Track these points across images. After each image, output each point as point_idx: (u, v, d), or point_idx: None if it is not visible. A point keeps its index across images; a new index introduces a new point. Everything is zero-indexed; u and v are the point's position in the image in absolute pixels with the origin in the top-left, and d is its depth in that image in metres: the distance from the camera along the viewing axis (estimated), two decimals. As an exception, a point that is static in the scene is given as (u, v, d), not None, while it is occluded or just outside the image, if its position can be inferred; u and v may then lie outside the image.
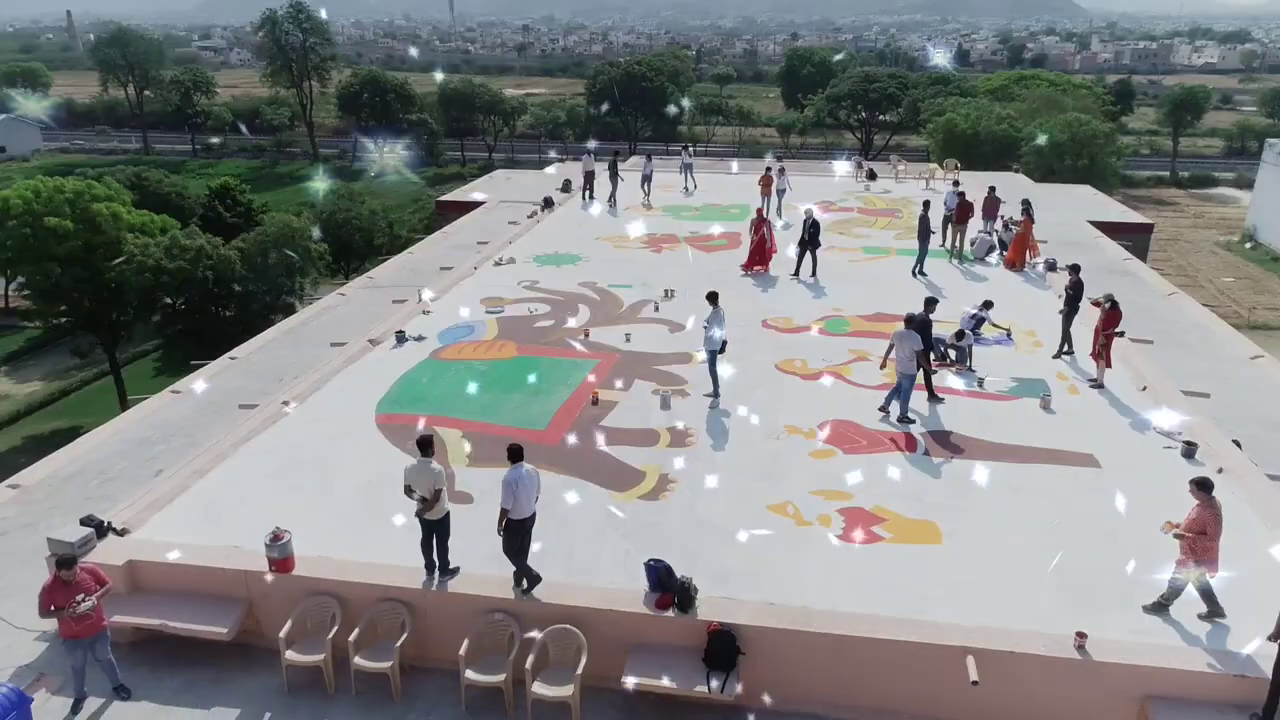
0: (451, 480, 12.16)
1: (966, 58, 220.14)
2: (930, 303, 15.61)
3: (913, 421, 14.42)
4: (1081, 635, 9.16)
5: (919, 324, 14.67)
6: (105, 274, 35.81)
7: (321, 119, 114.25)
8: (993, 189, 25.65)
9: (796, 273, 22.18)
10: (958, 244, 23.76)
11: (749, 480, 12.66)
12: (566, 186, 32.48)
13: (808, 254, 22.08)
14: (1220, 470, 12.76)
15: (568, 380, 16.04)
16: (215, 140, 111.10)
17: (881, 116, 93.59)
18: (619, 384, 15.90)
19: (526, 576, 10.03)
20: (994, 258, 23.78)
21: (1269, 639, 8.64)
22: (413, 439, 13.59)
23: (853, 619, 9.58)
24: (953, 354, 16.79)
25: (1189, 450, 13.28)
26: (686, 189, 33.21)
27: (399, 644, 9.84)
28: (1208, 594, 9.57)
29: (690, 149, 36.82)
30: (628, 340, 17.89)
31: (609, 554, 10.89)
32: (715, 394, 15.21)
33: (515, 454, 10.10)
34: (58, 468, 14.71)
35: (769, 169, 28.26)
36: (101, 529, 11.11)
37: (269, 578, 10.33)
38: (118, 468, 14.56)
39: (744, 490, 12.38)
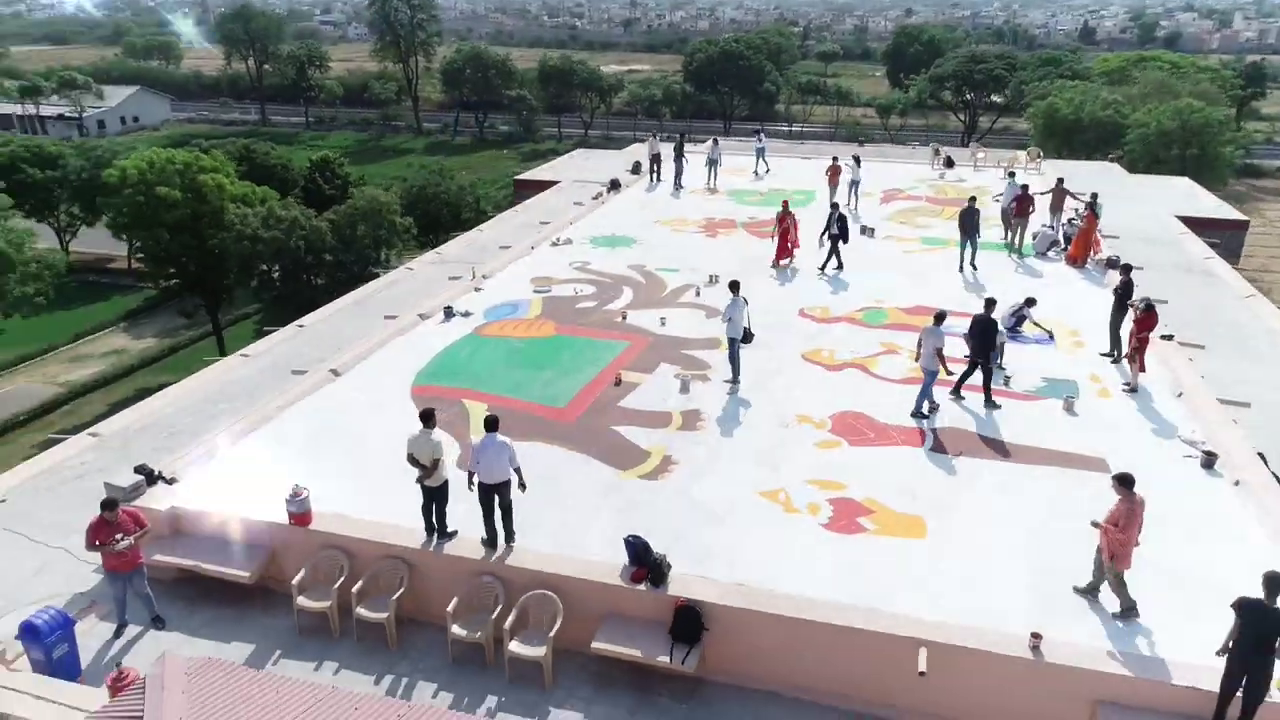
0: (469, 451, 12.96)
1: (1091, 35, 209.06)
2: (990, 303, 15.15)
3: (926, 417, 14.47)
4: (1036, 636, 9.32)
5: (982, 325, 14.61)
6: (209, 241, 38.40)
7: (427, 94, 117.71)
8: (1060, 181, 24.89)
9: (823, 268, 21.92)
10: (1017, 238, 23.21)
11: (748, 466, 13.08)
12: (636, 168, 32.98)
13: (835, 248, 21.88)
14: (1237, 483, 12.50)
15: (596, 360, 16.69)
16: (328, 113, 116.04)
17: (993, 98, 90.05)
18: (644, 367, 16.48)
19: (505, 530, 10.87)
20: (1055, 253, 23.16)
21: (1217, 654, 8.63)
22: (441, 411, 14.63)
23: (814, 604, 9.96)
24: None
25: (1208, 460, 13.00)
26: (757, 173, 33.25)
27: (396, 597, 10.76)
28: (1121, 590, 9.76)
29: (763, 134, 36.71)
30: (662, 324, 18.40)
31: (599, 528, 11.52)
32: (734, 380, 15.60)
33: (490, 424, 10.85)
34: (133, 420, 16.29)
35: (836, 159, 27.91)
36: (151, 477, 12.42)
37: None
38: (184, 423, 16.01)
39: (741, 475, 12.81)
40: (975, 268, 21.74)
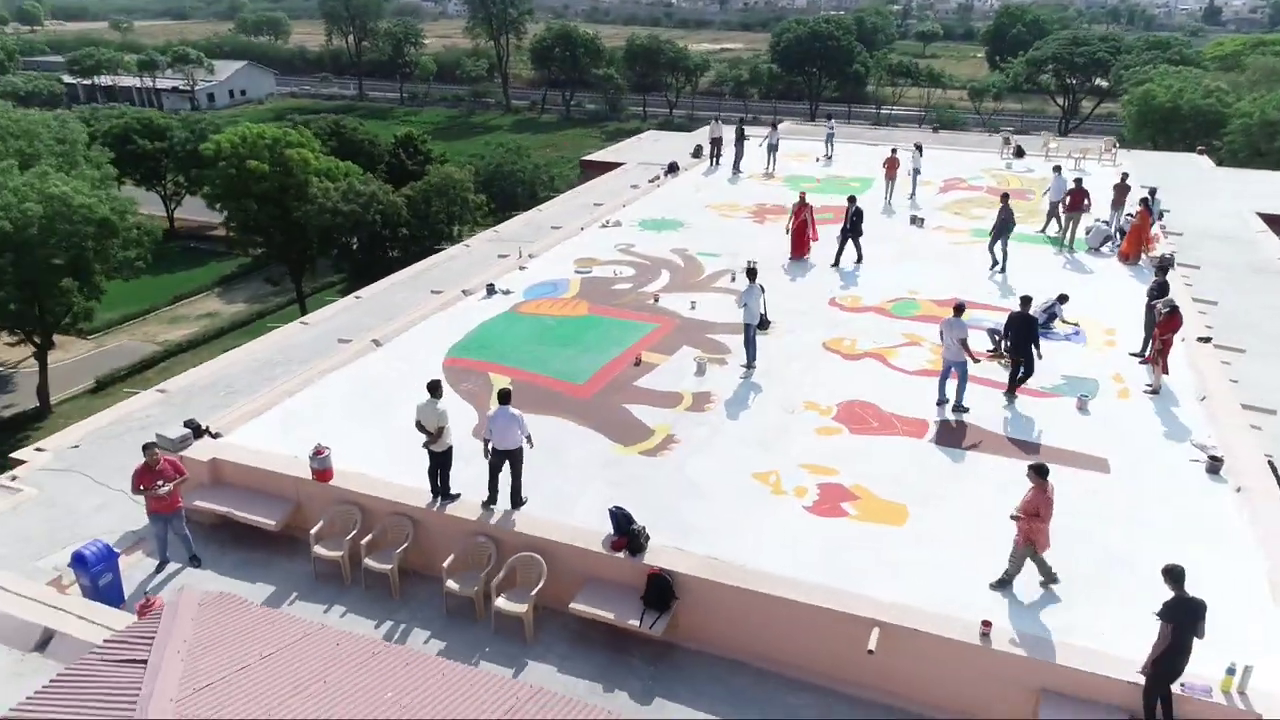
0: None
1: (1217, 15, 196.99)
2: (1026, 300, 15.12)
3: (966, 409, 14.61)
4: (987, 624, 9.64)
5: (1020, 321, 14.70)
6: (293, 212, 40.53)
7: (517, 71, 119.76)
8: (1125, 176, 24.25)
9: (836, 262, 21.59)
10: (1070, 233, 22.77)
11: (746, 448, 13.57)
12: (697, 152, 33.32)
13: (849, 242, 21.61)
14: (1238, 489, 12.39)
15: (622, 341, 17.36)
16: (421, 89, 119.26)
17: (1098, 81, 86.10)
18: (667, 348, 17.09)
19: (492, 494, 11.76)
20: (1109, 249, 22.64)
21: (1139, 671, 8.83)
22: (467, 382, 15.59)
23: (779, 581, 10.47)
24: (1005, 345, 16.62)
25: (1214, 465, 12.89)
26: (825, 157, 33.22)
27: (400, 550, 11.73)
28: (1042, 565, 10.31)
29: (833, 120, 36.51)
30: (692, 308, 18.91)
31: (590, 499, 12.21)
32: (749, 365, 16.05)
33: (503, 397, 11.66)
34: (197, 379, 17.79)
35: (895, 150, 27.56)
36: (198, 431, 13.70)
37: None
38: (242, 382, 17.39)
39: (737, 456, 13.32)
40: (1000, 264, 21.26)
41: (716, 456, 13.37)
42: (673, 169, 31.04)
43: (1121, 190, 23.72)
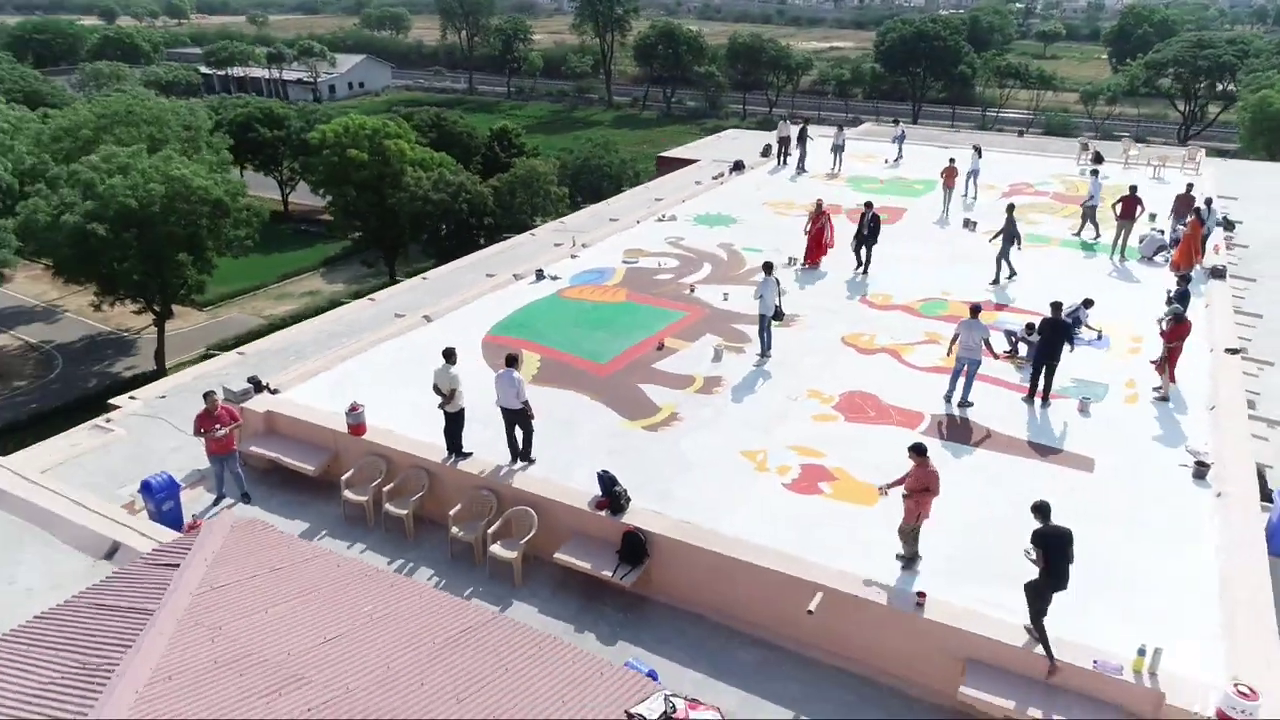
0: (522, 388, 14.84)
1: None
2: (1056, 306, 15.32)
3: (971, 405, 15.21)
4: (922, 595, 10.39)
5: (1051, 326, 14.96)
6: (388, 199, 43.17)
7: (623, 67, 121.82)
8: (1190, 186, 23.87)
9: (861, 268, 21.57)
10: (1121, 240, 22.58)
11: (742, 429, 14.50)
12: (766, 151, 34.03)
13: (859, 249, 21.56)
14: (1219, 495, 12.62)
15: (650, 326, 18.47)
16: (528, 84, 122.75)
17: (1223, 87, 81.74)
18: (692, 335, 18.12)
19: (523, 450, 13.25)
20: (1162, 258, 22.36)
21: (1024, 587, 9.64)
22: (503, 356, 16.99)
23: (741, 544, 11.44)
24: (1023, 348, 16.98)
25: (1200, 471, 13.11)
26: (894, 159, 33.46)
27: (416, 498, 13.21)
28: (910, 540, 11.12)
29: (902, 123, 36.62)
30: (724, 299, 19.84)
31: (589, 464, 13.34)
32: (763, 354, 16.94)
33: (509, 361, 12.99)
34: (271, 344, 19.84)
35: (952, 161, 27.09)
36: (259, 386, 15.55)
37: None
38: (309, 349, 19.30)
39: (731, 436, 14.27)
40: (1002, 281, 21.04)
41: (712, 435, 14.34)
42: (738, 167, 31.87)
43: (1184, 200, 23.34)
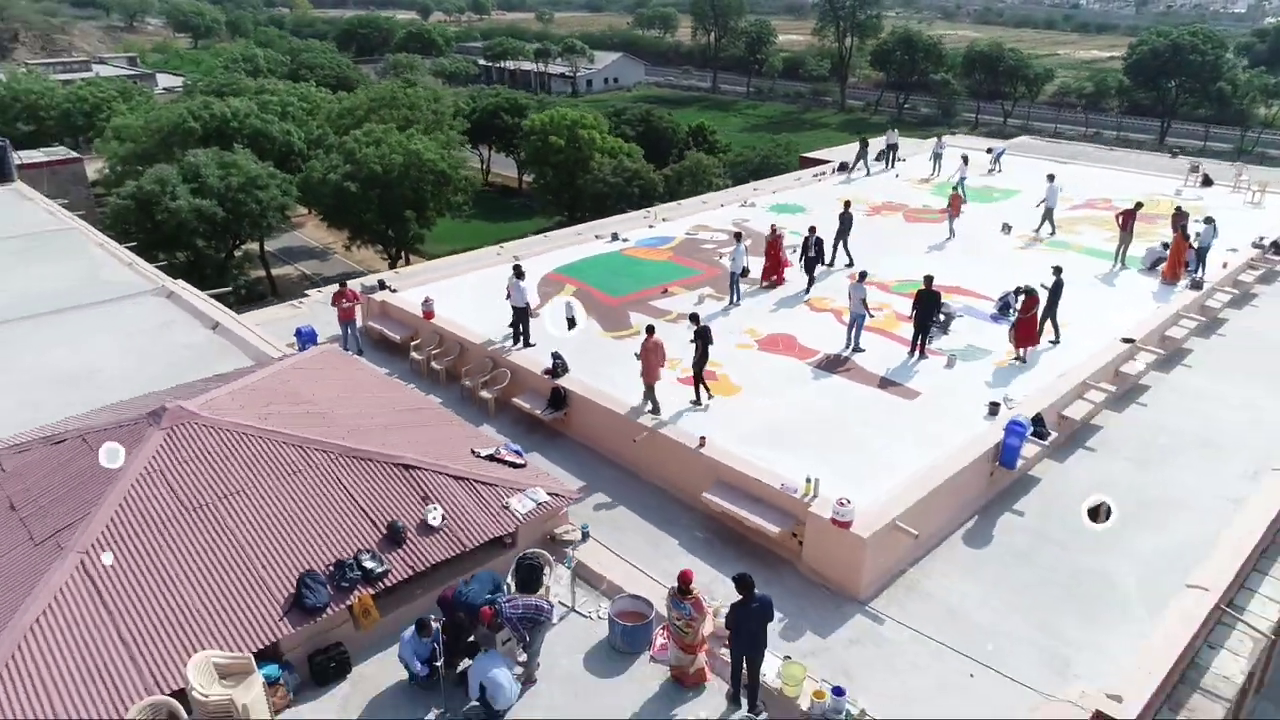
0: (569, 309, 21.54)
1: None
2: (929, 279, 19.43)
3: (861, 350, 19.87)
4: (702, 439, 15.81)
5: (923, 298, 19.12)
6: (577, 180, 51.37)
7: (866, 72, 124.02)
8: (1178, 207, 25.87)
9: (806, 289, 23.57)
10: (1121, 251, 25.03)
11: (676, 347, 20.04)
12: (879, 156, 37.93)
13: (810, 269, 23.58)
14: (1006, 399, 16.69)
15: (667, 277, 24.30)
16: (766, 84, 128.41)
17: None
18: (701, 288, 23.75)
19: (523, 337, 19.71)
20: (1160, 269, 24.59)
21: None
22: (547, 286, 23.63)
23: (615, 401, 17.32)
24: (943, 319, 20.97)
25: (993, 410, 17.04)
26: (993, 170, 36.24)
27: (449, 359, 20.24)
28: (650, 395, 16.62)
29: (1000, 146, 39.09)
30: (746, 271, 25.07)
31: (564, 353, 19.58)
32: (731, 303, 22.32)
33: (516, 271, 19.55)
34: (420, 269, 27.89)
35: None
36: (382, 285, 23.40)
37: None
38: (441, 273, 27.07)
39: (667, 350, 19.84)
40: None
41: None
42: (842, 168, 36.25)
43: (1176, 218, 25.41)
